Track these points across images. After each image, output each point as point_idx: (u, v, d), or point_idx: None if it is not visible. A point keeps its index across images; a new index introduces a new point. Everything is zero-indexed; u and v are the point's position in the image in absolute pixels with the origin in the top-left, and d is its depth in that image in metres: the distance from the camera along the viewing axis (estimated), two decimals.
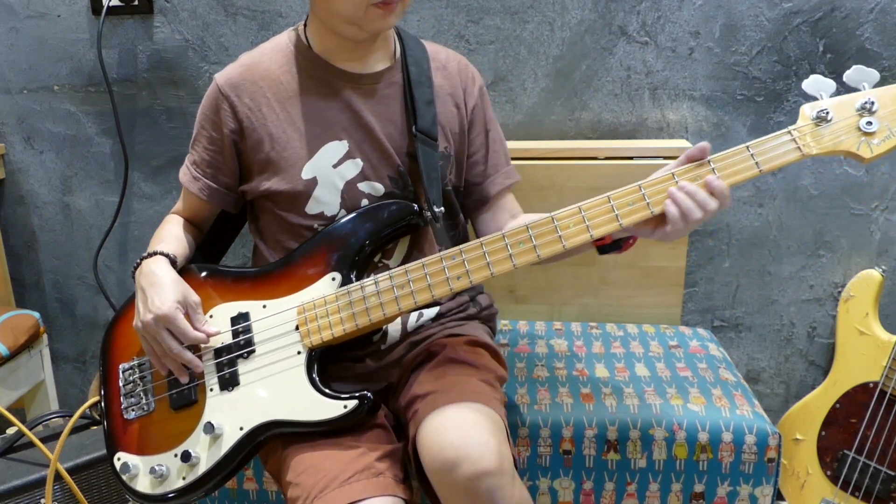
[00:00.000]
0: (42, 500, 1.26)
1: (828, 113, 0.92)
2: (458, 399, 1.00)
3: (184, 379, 1.07)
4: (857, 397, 1.55)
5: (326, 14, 1.07)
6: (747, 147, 0.94)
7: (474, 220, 1.25)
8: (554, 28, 1.64)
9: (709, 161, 0.95)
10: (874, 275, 1.59)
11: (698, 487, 1.23)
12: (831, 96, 0.94)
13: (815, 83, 0.94)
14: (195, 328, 1.05)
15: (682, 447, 1.22)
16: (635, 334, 1.54)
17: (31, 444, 1.29)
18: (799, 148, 0.92)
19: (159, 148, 1.83)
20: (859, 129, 0.91)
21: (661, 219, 0.97)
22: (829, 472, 1.58)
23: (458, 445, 0.92)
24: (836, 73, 1.58)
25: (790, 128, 0.93)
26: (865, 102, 0.91)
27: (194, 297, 1.08)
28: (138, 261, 1.11)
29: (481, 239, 1.01)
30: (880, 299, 1.60)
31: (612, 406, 1.25)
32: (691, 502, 1.24)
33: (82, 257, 1.94)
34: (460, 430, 0.94)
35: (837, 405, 1.58)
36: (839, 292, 1.69)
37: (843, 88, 0.95)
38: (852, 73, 0.94)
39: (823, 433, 1.59)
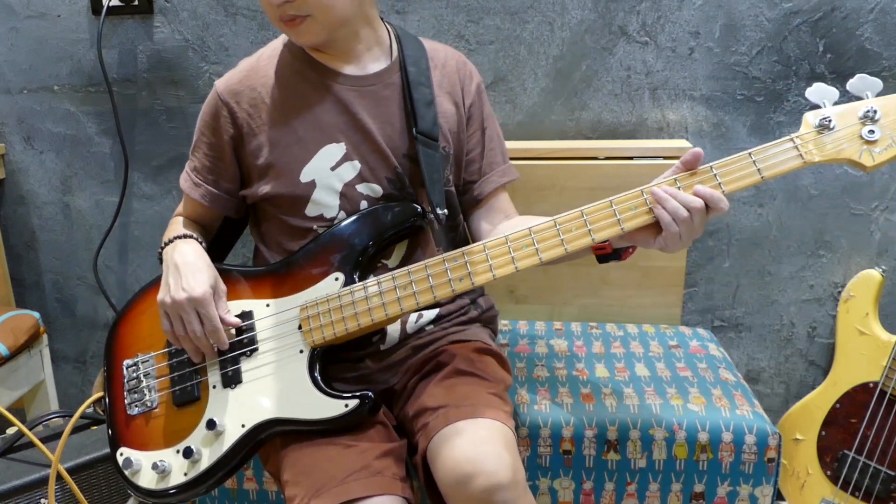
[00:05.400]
0: (42, 501, 1.26)
1: (830, 121, 0.91)
2: (471, 415, 1.00)
3: (197, 359, 1.08)
4: (857, 397, 1.55)
5: None
6: (749, 154, 0.93)
7: (468, 219, 1.26)
8: (554, 28, 1.64)
9: (710, 167, 0.94)
10: (874, 275, 1.59)
11: (698, 487, 1.23)
12: (834, 104, 0.93)
13: (819, 91, 0.93)
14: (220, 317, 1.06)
15: (682, 447, 1.22)
16: (635, 334, 1.54)
17: (31, 444, 1.29)
18: (801, 155, 0.91)
19: (159, 148, 1.83)
20: (861, 137, 0.90)
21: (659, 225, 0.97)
22: (829, 472, 1.58)
23: (473, 459, 0.93)
24: (836, 74, 1.58)
25: (793, 135, 0.92)
26: (868, 111, 0.90)
27: (223, 286, 1.10)
28: (169, 240, 1.12)
29: (484, 241, 1.01)
30: (880, 299, 1.59)
31: (612, 406, 1.25)
32: (691, 502, 1.24)
33: (82, 257, 1.94)
34: (474, 445, 0.95)
35: (837, 405, 1.58)
36: (839, 292, 1.69)
37: (847, 97, 0.94)
38: (856, 82, 0.93)
39: (823, 433, 1.59)
